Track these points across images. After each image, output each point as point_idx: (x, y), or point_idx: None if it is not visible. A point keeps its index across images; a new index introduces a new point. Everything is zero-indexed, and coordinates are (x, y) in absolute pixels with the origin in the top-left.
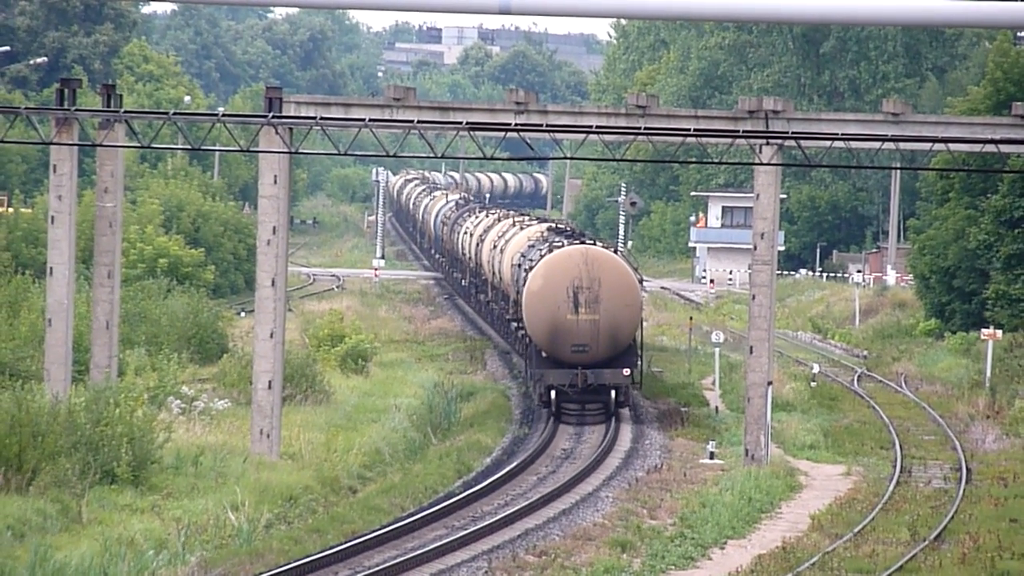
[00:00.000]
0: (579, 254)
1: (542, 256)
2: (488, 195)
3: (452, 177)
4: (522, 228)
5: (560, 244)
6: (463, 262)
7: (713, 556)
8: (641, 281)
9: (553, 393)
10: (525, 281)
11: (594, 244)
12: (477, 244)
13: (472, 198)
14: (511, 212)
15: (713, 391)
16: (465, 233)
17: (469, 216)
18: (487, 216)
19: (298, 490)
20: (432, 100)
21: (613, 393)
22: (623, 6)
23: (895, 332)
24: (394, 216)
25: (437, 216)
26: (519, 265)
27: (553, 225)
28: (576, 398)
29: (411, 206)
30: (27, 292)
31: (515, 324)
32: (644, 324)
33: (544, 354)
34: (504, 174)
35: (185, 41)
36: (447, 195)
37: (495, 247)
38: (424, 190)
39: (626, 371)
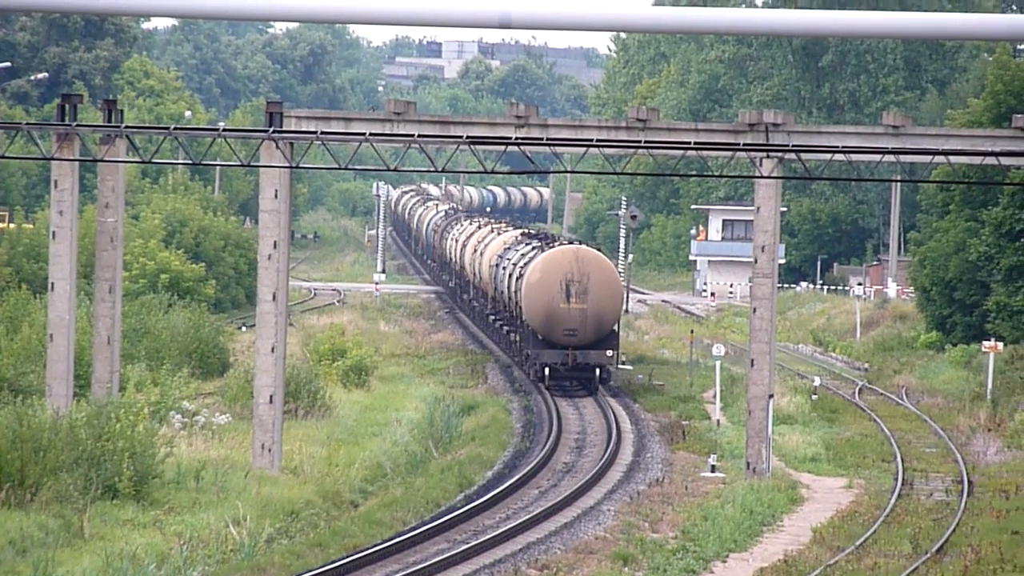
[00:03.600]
0: (571, 252)
1: (535, 255)
2: (488, 208)
3: (451, 190)
4: (499, 234)
5: (551, 245)
6: (450, 266)
7: (715, 569)
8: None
9: (547, 370)
10: (522, 276)
11: (581, 245)
12: (461, 249)
13: (460, 208)
14: (491, 221)
15: (714, 404)
16: (452, 239)
17: (456, 224)
18: (470, 224)
19: (300, 504)
20: (432, 114)
21: (597, 371)
22: (623, 20)
23: (896, 345)
24: (394, 229)
25: (429, 225)
26: (496, 265)
27: (525, 231)
28: (566, 375)
29: (407, 216)
30: (28, 307)
31: (492, 317)
32: (645, 337)
33: (540, 337)
34: (505, 187)
35: (185, 56)
36: (438, 205)
37: (476, 251)
38: (418, 201)
39: (609, 352)
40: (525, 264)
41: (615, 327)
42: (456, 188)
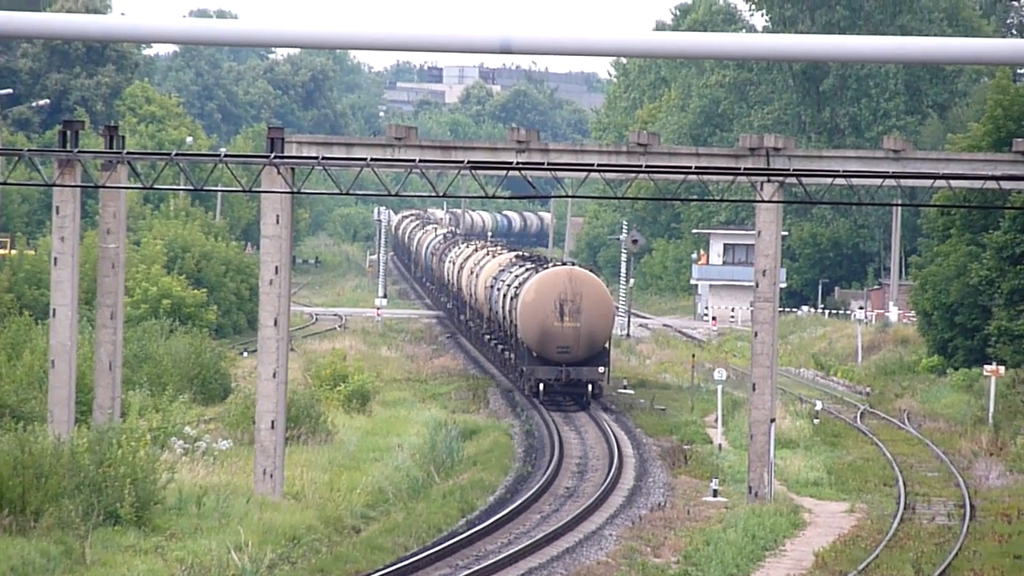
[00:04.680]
0: (565, 273)
1: (530, 275)
2: (490, 233)
3: (453, 214)
4: (494, 256)
5: (543, 266)
6: (448, 287)
7: None
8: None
9: (541, 386)
10: (517, 296)
11: (575, 266)
12: (458, 271)
13: (458, 232)
14: (486, 244)
15: (716, 428)
16: (449, 262)
17: (453, 247)
18: (467, 247)
19: (301, 530)
20: (433, 139)
21: (590, 387)
22: (623, 45)
23: (898, 369)
24: (395, 254)
25: (428, 248)
26: (491, 286)
27: (519, 253)
28: (560, 390)
29: (407, 239)
30: (29, 333)
31: (488, 337)
32: (647, 361)
33: (534, 354)
34: (522, 212)
35: (187, 82)
36: (436, 229)
37: (472, 273)
38: (417, 224)
39: (600, 369)
40: (520, 284)
41: (607, 344)
42: (470, 212)
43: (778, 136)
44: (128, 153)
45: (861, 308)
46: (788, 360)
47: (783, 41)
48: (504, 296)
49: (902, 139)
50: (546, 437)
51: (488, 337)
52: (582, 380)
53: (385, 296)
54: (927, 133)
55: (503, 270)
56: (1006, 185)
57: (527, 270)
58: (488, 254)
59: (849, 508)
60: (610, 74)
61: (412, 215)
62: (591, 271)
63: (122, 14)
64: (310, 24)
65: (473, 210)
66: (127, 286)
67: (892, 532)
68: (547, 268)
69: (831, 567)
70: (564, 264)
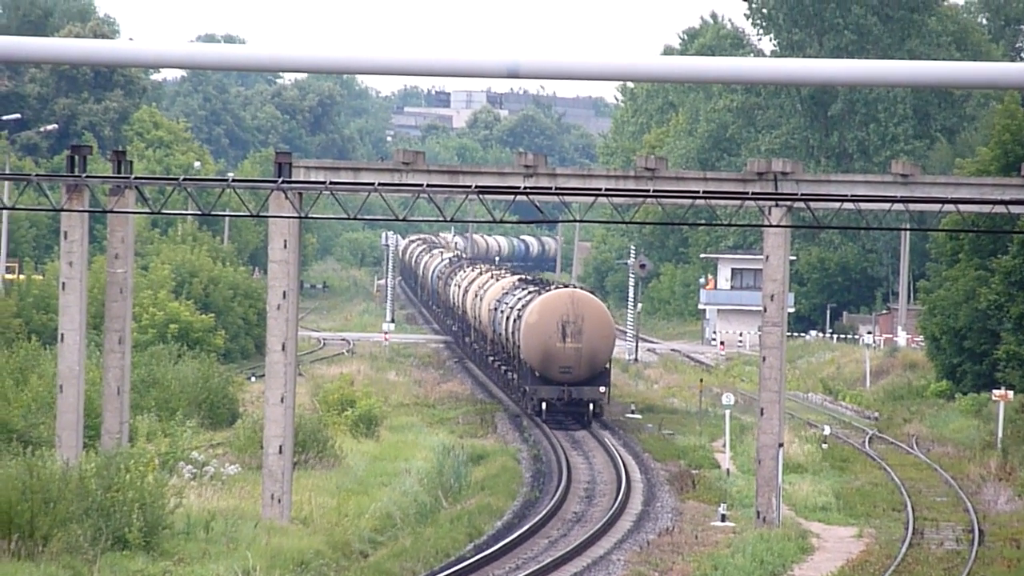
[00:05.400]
0: (567, 295)
1: (533, 298)
2: (497, 258)
3: (468, 238)
4: (497, 280)
5: (546, 289)
6: (454, 310)
7: None
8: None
9: (544, 405)
10: (520, 317)
11: (576, 288)
12: (463, 294)
13: (464, 256)
14: (491, 268)
15: (724, 453)
16: (455, 285)
17: (459, 271)
18: (472, 271)
19: (309, 555)
20: (441, 164)
21: (591, 406)
22: (631, 69)
23: (906, 393)
24: (402, 278)
25: (434, 271)
26: (495, 309)
27: (522, 276)
28: (562, 409)
29: (413, 263)
30: (37, 358)
31: (491, 358)
32: (654, 386)
33: (537, 374)
34: (539, 237)
35: (195, 107)
36: (443, 253)
37: (476, 296)
38: (424, 248)
39: (601, 388)
40: (523, 306)
41: (607, 365)
42: (486, 237)
43: (786, 160)
44: (136, 178)
45: (869, 333)
46: (796, 385)
47: (791, 65)
48: (507, 318)
49: (910, 163)
50: (554, 462)
51: (492, 358)
52: (583, 399)
53: (392, 321)
54: (935, 157)
55: (507, 293)
56: (1015, 209)
57: (530, 292)
58: (492, 277)
59: (858, 533)
60: (617, 99)
61: (419, 239)
62: (592, 293)
63: (130, 39)
64: (317, 49)
65: (490, 235)
66: (135, 311)
67: (901, 557)
68: (549, 291)
69: None
70: (566, 287)
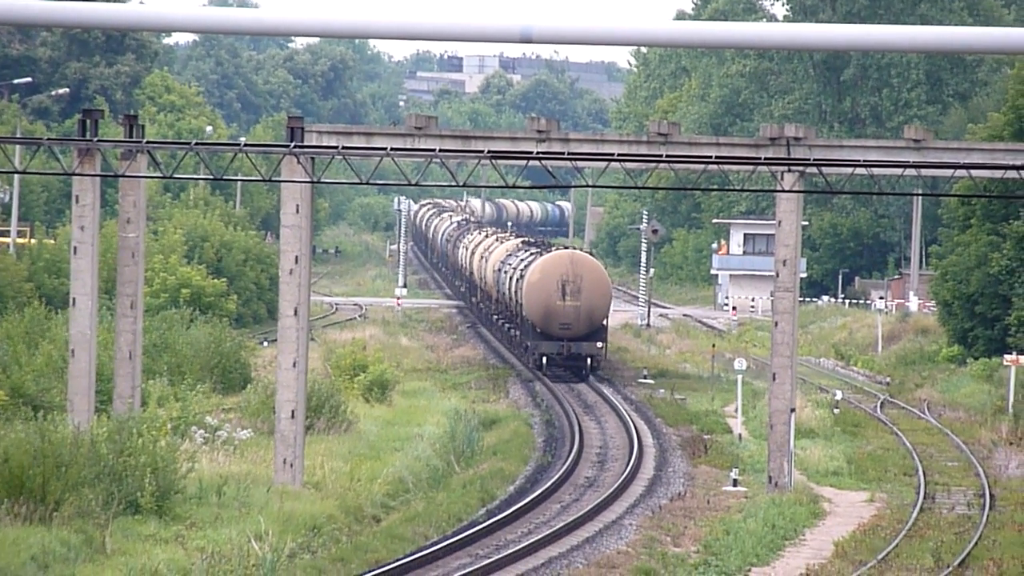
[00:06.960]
0: (567, 256)
1: (535, 259)
2: (511, 223)
3: (471, 203)
4: (502, 242)
5: (548, 250)
6: (461, 272)
7: None
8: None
9: (544, 359)
10: (523, 277)
11: (577, 249)
12: (470, 256)
13: (472, 219)
14: (496, 231)
15: (736, 418)
16: (463, 248)
17: (467, 234)
18: (479, 234)
19: (322, 519)
20: (453, 128)
21: (589, 360)
22: (644, 34)
23: (918, 358)
24: (414, 243)
25: (443, 234)
26: (499, 269)
27: (525, 239)
28: (561, 363)
29: (424, 227)
30: (49, 323)
31: (496, 317)
32: (666, 351)
33: (538, 330)
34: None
35: (206, 71)
36: (451, 216)
37: (482, 257)
38: (434, 212)
39: (599, 344)
40: (526, 267)
41: (604, 322)
42: (517, 202)
43: (799, 126)
44: (148, 142)
45: (881, 298)
46: (808, 350)
47: (804, 31)
48: (511, 278)
49: (923, 129)
50: (566, 427)
51: (496, 316)
52: (582, 354)
53: (405, 286)
54: (948, 123)
55: (510, 254)
56: None
57: (532, 254)
58: (497, 240)
59: (869, 498)
60: (630, 64)
61: (430, 203)
62: (591, 255)
63: (141, 3)
64: (330, 13)
65: (520, 200)
66: (147, 275)
67: (912, 522)
68: (550, 252)
69: (851, 556)
70: (566, 248)
